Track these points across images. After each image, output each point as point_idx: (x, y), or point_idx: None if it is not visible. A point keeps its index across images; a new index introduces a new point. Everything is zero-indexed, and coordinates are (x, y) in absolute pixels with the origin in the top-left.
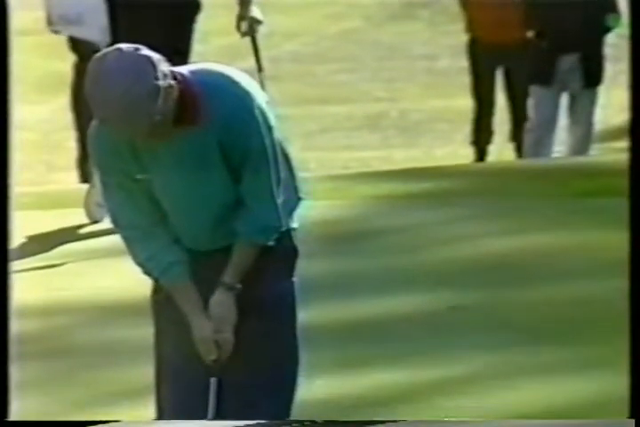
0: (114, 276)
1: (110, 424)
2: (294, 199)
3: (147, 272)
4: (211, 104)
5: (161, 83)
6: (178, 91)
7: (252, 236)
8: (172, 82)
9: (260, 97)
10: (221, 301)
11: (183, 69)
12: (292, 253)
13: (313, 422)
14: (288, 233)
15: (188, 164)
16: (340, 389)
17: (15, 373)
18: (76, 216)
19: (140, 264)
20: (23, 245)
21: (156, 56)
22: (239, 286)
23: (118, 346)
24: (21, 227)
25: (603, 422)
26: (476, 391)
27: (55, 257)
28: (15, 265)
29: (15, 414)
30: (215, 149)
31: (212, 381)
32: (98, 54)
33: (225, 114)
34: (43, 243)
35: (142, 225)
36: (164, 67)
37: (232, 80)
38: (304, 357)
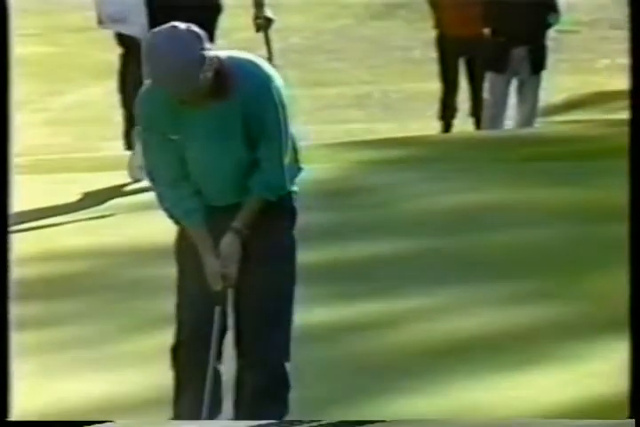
0: (151, 225)
1: (107, 424)
2: (295, 168)
3: (171, 216)
4: (239, 83)
5: (206, 53)
6: (215, 68)
7: (263, 192)
8: (214, 57)
9: (278, 80)
10: (230, 242)
11: (221, 53)
12: (293, 211)
13: (315, 421)
14: (289, 195)
15: (215, 130)
16: (334, 315)
17: (68, 307)
18: (122, 177)
19: (166, 209)
20: (79, 201)
21: (202, 33)
22: (246, 231)
23: (156, 282)
24: (78, 185)
25: (603, 423)
26: (446, 318)
27: (105, 210)
28: (73, 216)
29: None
30: (239, 120)
31: (217, 309)
32: (154, 29)
33: (250, 92)
34: (95, 198)
35: (171, 177)
36: (208, 44)
37: (257, 65)
38: (305, 291)
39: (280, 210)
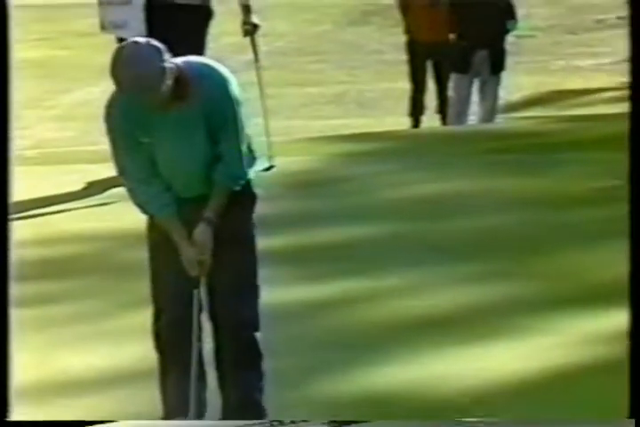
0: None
1: (110, 424)
2: (251, 158)
3: (145, 211)
4: (198, 86)
5: (166, 65)
6: (175, 75)
7: (226, 183)
8: (173, 66)
9: (233, 81)
10: (203, 231)
11: (178, 60)
12: (253, 197)
13: (304, 421)
14: (248, 183)
15: (180, 130)
16: (313, 294)
17: (73, 285)
18: None
19: (138, 205)
20: (83, 189)
21: (162, 46)
22: (216, 220)
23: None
24: (82, 176)
25: (603, 423)
26: (416, 296)
27: (107, 198)
28: (77, 203)
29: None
30: (201, 119)
31: (195, 292)
32: (119, 44)
33: (208, 93)
34: (98, 187)
35: (143, 176)
36: (167, 55)
37: (212, 68)
38: (285, 272)
39: (242, 197)
